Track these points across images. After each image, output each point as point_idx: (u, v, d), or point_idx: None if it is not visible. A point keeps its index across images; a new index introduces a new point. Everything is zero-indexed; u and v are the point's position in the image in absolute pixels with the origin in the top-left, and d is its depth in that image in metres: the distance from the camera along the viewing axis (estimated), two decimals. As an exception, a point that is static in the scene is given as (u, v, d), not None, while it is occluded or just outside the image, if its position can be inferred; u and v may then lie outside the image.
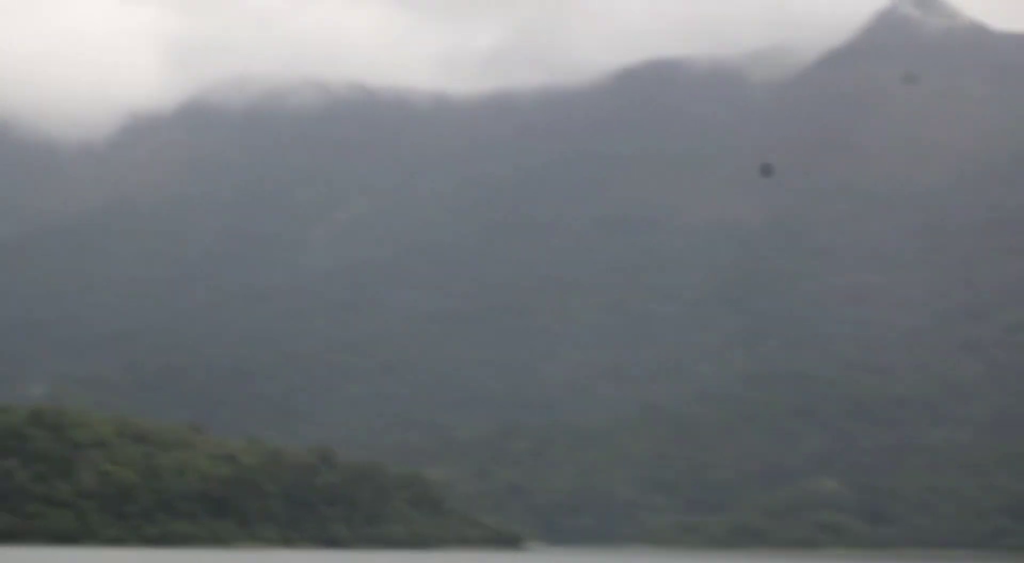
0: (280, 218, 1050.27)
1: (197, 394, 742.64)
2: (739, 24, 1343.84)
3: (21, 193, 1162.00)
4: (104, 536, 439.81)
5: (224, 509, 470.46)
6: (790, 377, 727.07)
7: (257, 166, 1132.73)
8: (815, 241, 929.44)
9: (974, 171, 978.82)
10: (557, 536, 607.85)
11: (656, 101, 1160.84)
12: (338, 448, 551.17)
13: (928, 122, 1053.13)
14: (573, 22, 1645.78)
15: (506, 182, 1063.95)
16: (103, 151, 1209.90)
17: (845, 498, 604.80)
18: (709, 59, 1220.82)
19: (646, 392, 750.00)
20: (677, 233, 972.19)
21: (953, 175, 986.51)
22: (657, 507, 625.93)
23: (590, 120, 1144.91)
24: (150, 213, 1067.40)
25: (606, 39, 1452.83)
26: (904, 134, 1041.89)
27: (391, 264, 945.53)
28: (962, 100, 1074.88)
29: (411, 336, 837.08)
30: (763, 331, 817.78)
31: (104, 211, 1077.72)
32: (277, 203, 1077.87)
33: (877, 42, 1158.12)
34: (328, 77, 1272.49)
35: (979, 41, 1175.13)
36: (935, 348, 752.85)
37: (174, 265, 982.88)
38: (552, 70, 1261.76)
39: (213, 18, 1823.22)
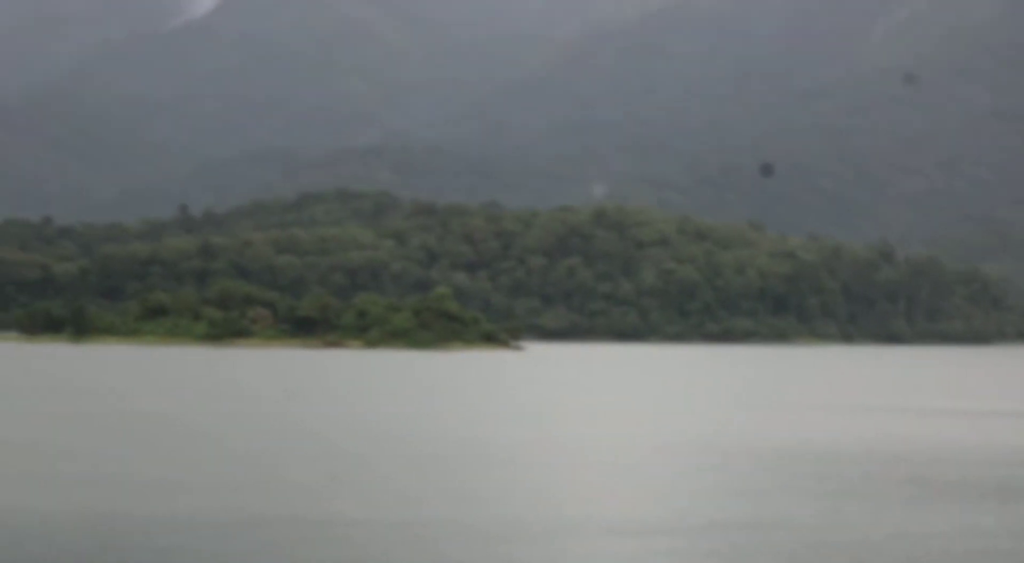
0: (841, 14, 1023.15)
1: (756, 191, 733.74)
2: None
3: (565, 4, 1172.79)
4: (666, 333, 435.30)
5: (784, 305, 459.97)
6: None
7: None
8: None
9: None
10: None
11: None
12: (897, 244, 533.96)
13: None
14: None
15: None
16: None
17: None
18: None
19: None
20: None
21: None
22: None
23: None
24: (711, 12, 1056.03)
25: None
26: None
27: (951, 60, 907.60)
28: None
29: (970, 132, 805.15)
30: None
31: (664, 11, 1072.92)
32: (837, 0, 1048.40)
33: None
34: None
35: None
36: None
37: (735, 63, 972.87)
38: None
39: None
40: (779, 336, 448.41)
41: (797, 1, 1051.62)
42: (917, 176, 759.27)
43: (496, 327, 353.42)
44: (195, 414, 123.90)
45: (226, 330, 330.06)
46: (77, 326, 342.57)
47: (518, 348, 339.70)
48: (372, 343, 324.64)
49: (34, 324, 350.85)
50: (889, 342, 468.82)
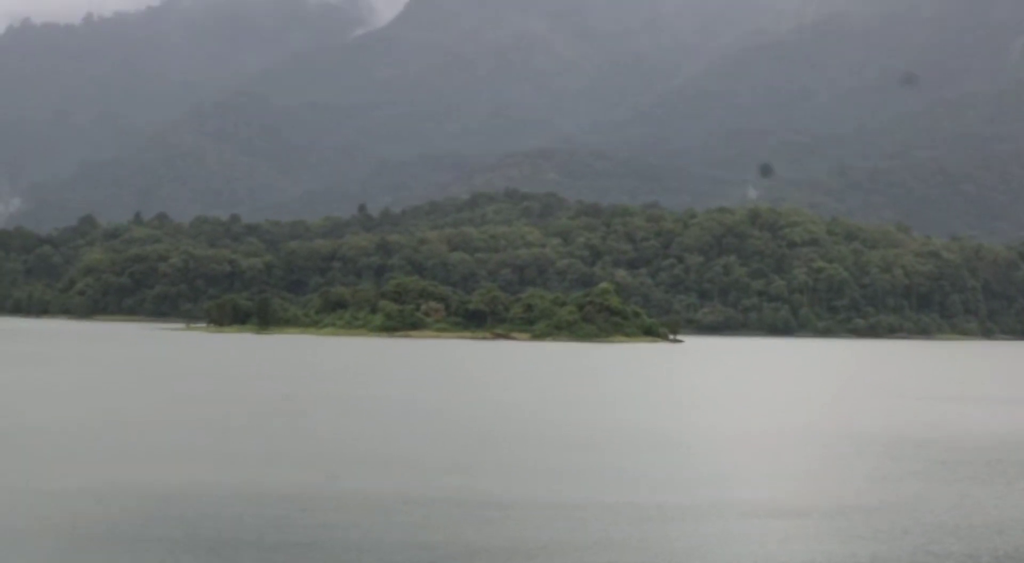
0: (983, 29, 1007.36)
1: (903, 195, 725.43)
2: None
3: (736, 10, 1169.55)
4: (815, 328, 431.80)
5: (927, 302, 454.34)
6: None
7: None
8: None
9: None
10: None
11: None
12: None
13: None
14: None
15: None
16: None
17: None
18: None
19: None
20: None
21: None
22: None
23: None
24: (861, 25, 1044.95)
25: None
26: None
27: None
28: None
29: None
30: None
31: (817, 24, 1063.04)
32: (980, 17, 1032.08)
33: None
34: None
35: None
36: None
37: (883, 74, 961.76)
38: None
39: None
40: (922, 331, 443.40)
41: (941, 17, 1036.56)
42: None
43: (655, 321, 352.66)
44: (364, 398, 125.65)
45: (401, 322, 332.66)
46: (262, 317, 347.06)
47: (676, 341, 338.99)
48: (538, 335, 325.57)
49: (222, 315, 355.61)
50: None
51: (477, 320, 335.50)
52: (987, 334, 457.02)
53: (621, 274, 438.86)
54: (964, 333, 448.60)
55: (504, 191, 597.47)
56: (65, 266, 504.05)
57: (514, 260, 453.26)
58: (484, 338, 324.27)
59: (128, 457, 75.98)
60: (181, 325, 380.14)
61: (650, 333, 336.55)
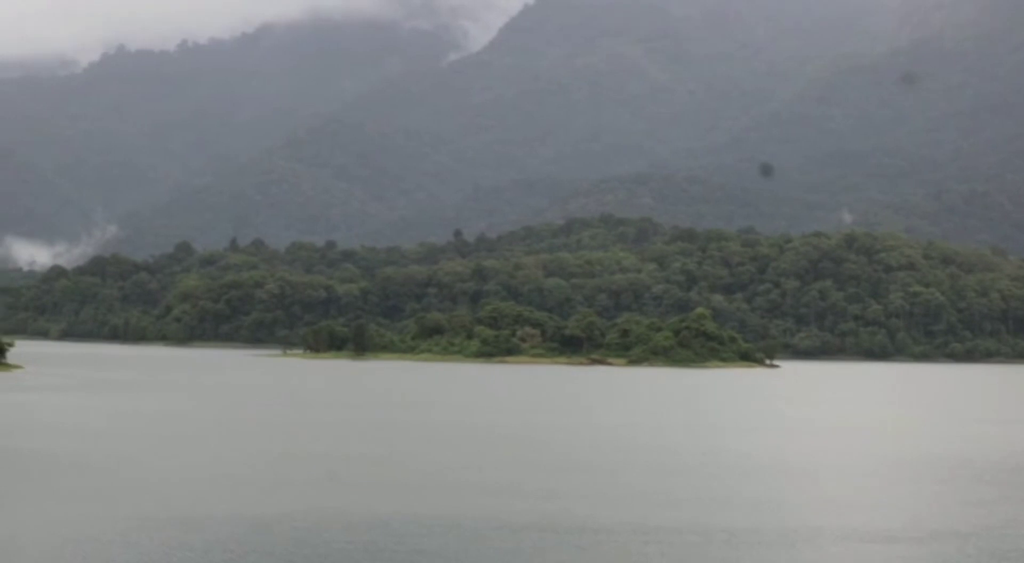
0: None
1: (999, 218, 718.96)
2: None
3: (830, 34, 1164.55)
4: (912, 352, 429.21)
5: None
6: None
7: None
8: None
9: None
10: None
11: None
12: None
13: None
14: None
15: None
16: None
17: None
18: None
19: None
20: None
21: None
22: None
23: None
24: (955, 49, 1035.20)
25: None
26: None
27: None
28: None
29: None
30: None
31: (911, 48, 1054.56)
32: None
33: None
34: None
35: None
36: None
37: (977, 97, 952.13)
38: None
39: None
40: (1020, 356, 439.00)
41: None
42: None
43: (752, 346, 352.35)
44: (458, 424, 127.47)
45: (497, 348, 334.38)
46: (358, 344, 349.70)
47: (773, 366, 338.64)
48: (634, 360, 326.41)
49: (319, 342, 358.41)
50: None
51: (573, 345, 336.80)
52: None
53: (717, 299, 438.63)
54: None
55: (599, 216, 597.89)
56: (161, 292, 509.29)
57: (610, 285, 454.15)
58: (580, 363, 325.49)
59: (223, 486, 78.17)
60: (278, 351, 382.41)
61: (746, 358, 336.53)
